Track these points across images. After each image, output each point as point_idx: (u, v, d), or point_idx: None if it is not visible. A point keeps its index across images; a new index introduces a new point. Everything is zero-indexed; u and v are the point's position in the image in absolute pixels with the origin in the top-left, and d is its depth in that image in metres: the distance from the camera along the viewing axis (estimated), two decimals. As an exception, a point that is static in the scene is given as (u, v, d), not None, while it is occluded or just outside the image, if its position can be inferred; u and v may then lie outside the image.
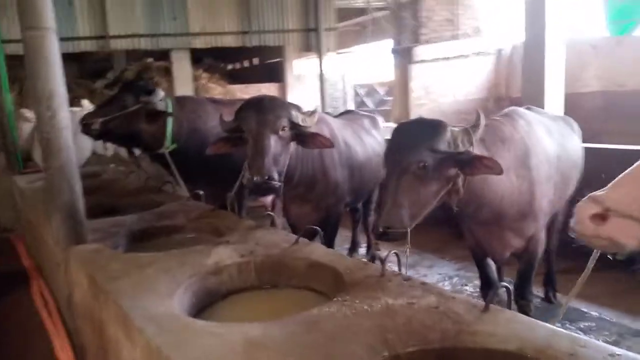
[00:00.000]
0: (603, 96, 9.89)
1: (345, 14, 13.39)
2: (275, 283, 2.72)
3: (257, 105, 3.28)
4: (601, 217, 1.59)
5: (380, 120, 5.16)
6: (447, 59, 11.61)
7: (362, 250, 5.81)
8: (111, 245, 3.11)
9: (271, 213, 3.41)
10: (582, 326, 3.98)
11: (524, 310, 3.50)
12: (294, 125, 3.34)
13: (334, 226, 4.10)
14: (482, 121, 2.79)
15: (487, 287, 3.65)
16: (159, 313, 2.09)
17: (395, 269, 2.40)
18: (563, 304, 2.17)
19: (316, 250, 2.78)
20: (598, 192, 1.64)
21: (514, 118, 3.36)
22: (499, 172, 2.64)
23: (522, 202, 3.15)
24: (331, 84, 14.44)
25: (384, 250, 2.71)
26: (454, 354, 1.73)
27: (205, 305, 2.49)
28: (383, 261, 2.33)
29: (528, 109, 3.86)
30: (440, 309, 1.95)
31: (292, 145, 3.44)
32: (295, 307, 2.48)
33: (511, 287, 2.20)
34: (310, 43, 11.85)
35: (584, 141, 4.26)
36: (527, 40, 6.37)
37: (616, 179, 1.68)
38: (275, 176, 3.16)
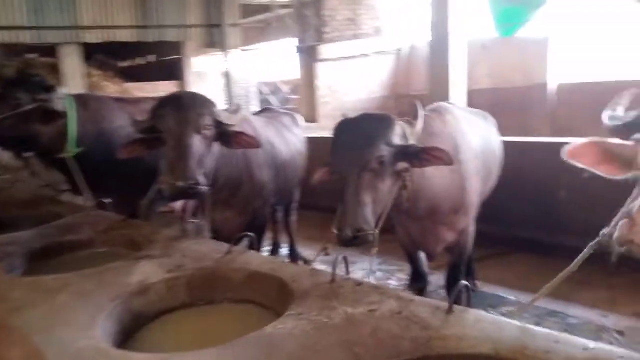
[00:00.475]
0: (493, 93, 10.61)
1: (249, 10, 13.08)
2: (211, 299, 2.46)
3: (177, 102, 2.98)
4: None
5: (299, 118, 5.03)
6: (350, 58, 11.77)
7: (284, 250, 5.64)
8: (5, 268, 2.64)
9: (195, 220, 3.13)
10: (504, 311, 4.15)
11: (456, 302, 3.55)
12: (217, 124, 3.09)
13: (261, 230, 3.88)
14: (422, 113, 2.76)
15: (418, 281, 3.66)
16: (83, 348, 1.77)
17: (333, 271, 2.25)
18: (529, 301, 2.13)
19: (253, 259, 2.57)
20: None
21: (442, 113, 3.38)
22: (450, 162, 2.62)
23: (455, 197, 3.18)
24: (234, 82, 14.08)
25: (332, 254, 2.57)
26: (427, 362, 1.63)
27: (133, 330, 2.18)
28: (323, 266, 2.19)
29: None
30: (403, 315, 1.85)
31: (216, 146, 3.18)
32: (238, 324, 2.27)
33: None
34: (213, 39, 11.38)
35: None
36: (433, 41, 6.58)
37: None
38: (201, 180, 2.88)
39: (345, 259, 2.29)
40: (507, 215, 5.48)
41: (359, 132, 2.62)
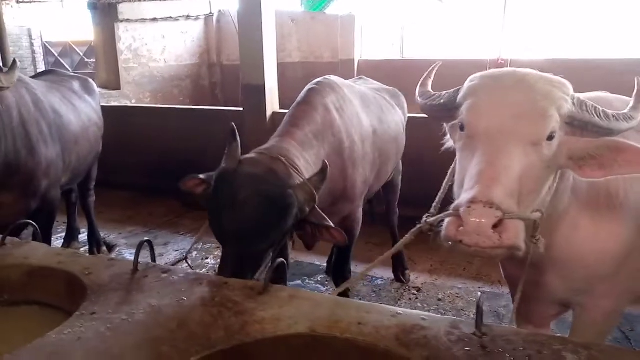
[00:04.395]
0: (303, 67, 10.93)
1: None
2: (-22, 304, 1.99)
3: None
4: (496, 224, 1.37)
5: (93, 82, 4.41)
6: (156, 20, 10.93)
7: (82, 237, 5.00)
8: None
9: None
10: (319, 279, 4.31)
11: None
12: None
13: (50, 216, 3.33)
14: (328, 172, 2.46)
15: None
16: None
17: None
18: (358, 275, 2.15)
19: (34, 251, 2.15)
20: (476, 193, 1.39)
21: (323, 94, 3.04)
22: (344, 242, 2.43)
23: (336, 189, 2.96)
24: (13, 40, 12.00)
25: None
26: (243, 350, 1.51)
27: None
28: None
29: (361, 78, 3.91)
30: (216, 300, 1.70)
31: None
32: (16, 330, 1.89)
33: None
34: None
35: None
36: (242, 9, 6.38)
37: (477, 170, 1.46)
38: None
39: (150, 243, 2.05)
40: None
41: (245, 218, 2.24)
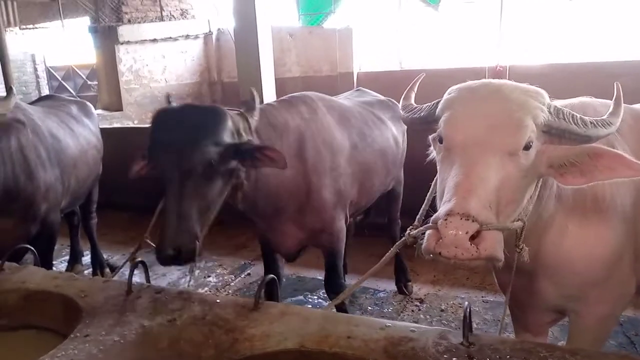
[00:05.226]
0: (303, 81, 11.03)
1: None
2: (-25, 329, 2.02)
3: None
4: (473, 236, 1.38)
5: (91, 106, 4.48)
6: (155, 41, 11.09)
7: (86, 259, 5.03)
8: None
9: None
10: (321, 294, 4.31)
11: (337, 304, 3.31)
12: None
13: (50, 240, 3.37)
14: (258, 103, 2.53)
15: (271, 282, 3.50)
16: None
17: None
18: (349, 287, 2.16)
19: (32, 275, 2.18)
20: (453, 205, 1.40)
21: (294, 104, 3.07)
22: (283, 165, 2.40)
23: (299, 195, 2.91)
24: (17, 65, 12.21)
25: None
26: (232, 368, 1.53)
27: None
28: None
29: (358, 90, 3.89)
30: (207, 319, 1.72)
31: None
32: (14, 356, 1.92)
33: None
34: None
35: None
36: (237, 27, 6.48)
37: (454, 182, 1.48)
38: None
39: (144, 264, 2.07)
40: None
41: (182, 129, 2.24)
